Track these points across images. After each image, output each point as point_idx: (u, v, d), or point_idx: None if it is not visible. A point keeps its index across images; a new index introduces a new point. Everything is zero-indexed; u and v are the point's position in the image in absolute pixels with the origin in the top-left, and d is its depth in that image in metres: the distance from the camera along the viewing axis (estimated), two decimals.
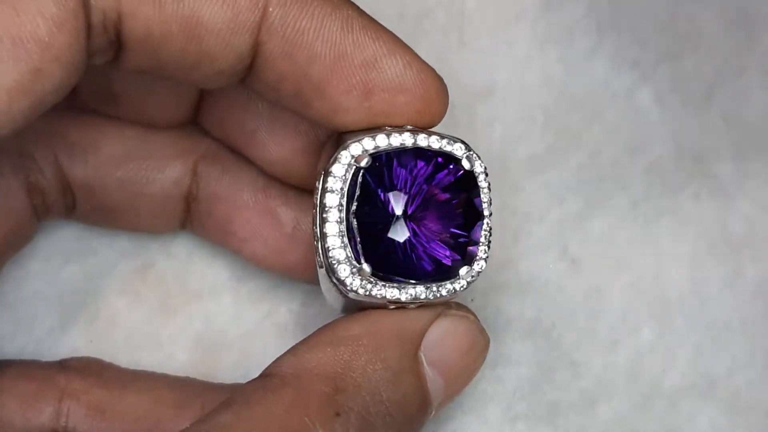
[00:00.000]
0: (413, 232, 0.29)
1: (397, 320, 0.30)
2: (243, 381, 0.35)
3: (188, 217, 0.35)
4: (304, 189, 0.34)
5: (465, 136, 0.37)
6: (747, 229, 0.37)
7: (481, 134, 0.37)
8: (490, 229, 0.30)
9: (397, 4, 0.38)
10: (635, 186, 0.37)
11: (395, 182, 0.29)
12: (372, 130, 0.29)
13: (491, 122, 0.37)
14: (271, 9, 0.28)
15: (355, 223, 0.29)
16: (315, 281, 0.31)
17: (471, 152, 0.30)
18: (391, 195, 0.29)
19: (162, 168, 0.34)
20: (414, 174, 0.29)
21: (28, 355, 0.36)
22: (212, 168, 0.34)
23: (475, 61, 0.38)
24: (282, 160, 0.33)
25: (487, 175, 0.30)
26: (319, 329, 0.29)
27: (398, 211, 0.29)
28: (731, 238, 0.37)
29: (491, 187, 0.30)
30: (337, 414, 0.27)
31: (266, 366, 0.29)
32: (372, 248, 0.29)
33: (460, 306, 0.31)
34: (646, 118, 0.37)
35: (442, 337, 0.30)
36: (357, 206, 0.29)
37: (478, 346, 0.31)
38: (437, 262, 0.30)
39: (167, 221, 0.35)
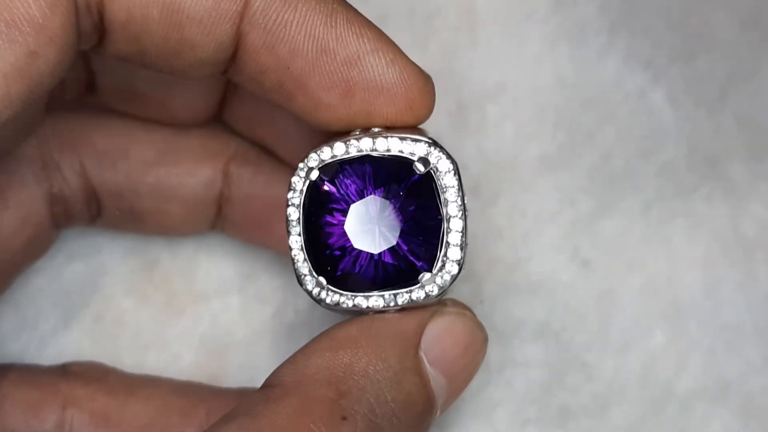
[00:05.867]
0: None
1: (394, 320, 0.29)
2: (250, 383, 0.35)
3: (219, 218, 0.35)
4: None
5: (475, 136, 0.37)
6: (760, 231, 0.37)
7: (492, 134, 0.37)
8: (463, 228, 0.29)
9: (407, 3, 0.38)
10: (647, 187, 0.37)
11: (347, 193, 0.29)
12: (332, 138, 0.29)
13: (502, 122, 0.37)
14: None
15: (304, 238, 0.29)
16: None
17: (434, 149, 0.28)
18: (341, 207, 0.29)
19: (193, 172, 0.34)
20: (366, 183, 0.29)
21: (32, 353, 0.36)
22: (244, 169, 0.34)
23: (486, 61, 0.38)
24: None
25: (458, 172, 0.29)
26: (316, 337, 0.29)
27: (347, 224, 0.29)
28: (744, 240, 0.37)
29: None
30: (344, 418, 0.27)
31: (273, 366, 0.29)
32: (325, 262, 0.29)
33: (456, 303, 0.31)
34: (659, 118, 0.37)
35: (440, 336, 0.29)
36: (309, 220, 0.29)
37: (477, 342, 0.31)
38: (396, 269, 0.29)
39: (198, 223, 0.35)
